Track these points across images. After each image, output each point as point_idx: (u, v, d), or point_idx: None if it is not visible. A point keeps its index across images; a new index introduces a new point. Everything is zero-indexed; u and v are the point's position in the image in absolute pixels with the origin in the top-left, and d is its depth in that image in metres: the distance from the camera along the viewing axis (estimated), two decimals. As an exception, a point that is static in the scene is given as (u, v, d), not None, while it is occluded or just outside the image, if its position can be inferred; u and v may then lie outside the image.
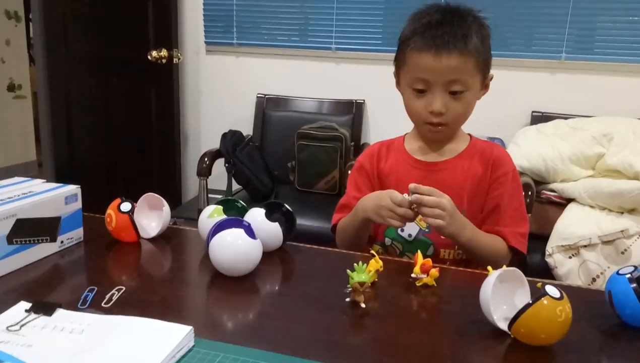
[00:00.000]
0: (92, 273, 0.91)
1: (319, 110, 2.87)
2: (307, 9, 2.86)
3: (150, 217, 1.06)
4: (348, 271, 0.78)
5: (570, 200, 2.09)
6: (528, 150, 2.21)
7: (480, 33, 1.03)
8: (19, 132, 4.37)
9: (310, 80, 2.91)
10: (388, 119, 2.73)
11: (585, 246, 1.90)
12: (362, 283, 0.77)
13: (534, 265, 1.96)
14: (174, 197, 3.02)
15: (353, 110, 2.80)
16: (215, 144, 2.67)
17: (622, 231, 1.86)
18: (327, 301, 0.80)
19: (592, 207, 2.01)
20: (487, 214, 1.08)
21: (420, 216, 1.06)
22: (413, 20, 1.05)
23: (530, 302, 0.66)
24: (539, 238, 1.98)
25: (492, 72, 1.09)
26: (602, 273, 1.86)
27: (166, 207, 1.03)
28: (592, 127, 2.19)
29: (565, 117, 2.36)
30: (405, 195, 0.96)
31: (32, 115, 4.43)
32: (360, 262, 0.78)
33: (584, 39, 2.47)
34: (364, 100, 2.80)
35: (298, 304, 0.79)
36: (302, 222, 2.27)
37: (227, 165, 2.54)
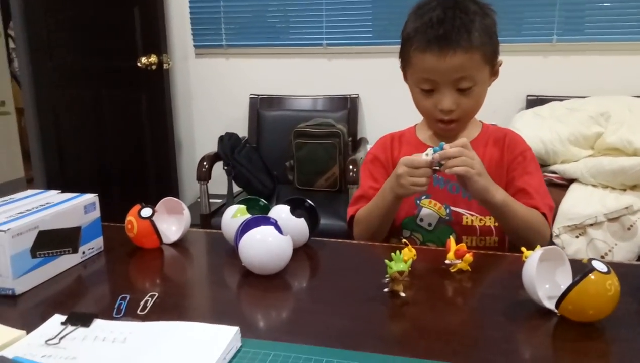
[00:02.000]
0: (119, 281, 0.89)
1: (314, 107, 2.86)
2: (296, 7, 2.85)
3: (170, 221, 1.04)
4: (386, 261, 0.77)
5: (572, 180, 2.10)
6: (527, 134, 2.16)
7: (484, 23, 1.00)
8: (4, 150, 4.30)
9: (302, 77, 2.89)
10: (383, 112, 2.73)
11: (591, 225, 1.91)
12: (401, 273, 0.76)
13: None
14: (172, 203, 2.99)
15: (348, 106, 2.79)
16: (209, 147, 2.65)
17: (626, 207, 1.88)
18: (365, 292, 0.79)
19: (594, 186, 2.03)
20: (512, 194, 1.05)
21: (437, 203, 1.06)
22: (415, 16, 1.02)
23: (578, 278, 0.65)
24: (545, 220, 1.99)
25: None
26: (610, 250, 1.87)
27: (186, 211, 1.02)
28: (589, 107, 2.21)
29: (560, 99, 2.38)
30: (422, 155, 0.95)
31: (18, 132, 4.36)
32: (397, 251, 0.77)
33: (574, 20, 2.49)
34: (358, 95, 2.80)
35: (336, 298, 0.78)
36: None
37: (226, 168, 2.52)
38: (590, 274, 0.65)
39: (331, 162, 2.58)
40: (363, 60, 2.77)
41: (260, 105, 2.90)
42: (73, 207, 0.91)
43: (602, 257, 1.87)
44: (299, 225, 0.95)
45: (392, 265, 0.76)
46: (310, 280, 0.88)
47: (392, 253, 0.77)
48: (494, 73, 1.07)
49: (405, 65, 1.07)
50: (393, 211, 1.06)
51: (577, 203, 1.98)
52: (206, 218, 2.44)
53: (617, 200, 1.92)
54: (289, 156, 2.65)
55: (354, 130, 2.79)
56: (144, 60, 2.76)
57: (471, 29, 0.97)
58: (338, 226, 2.16)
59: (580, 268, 0.68)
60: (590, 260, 0.67)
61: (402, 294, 0.77)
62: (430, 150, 0.94)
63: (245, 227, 0.86)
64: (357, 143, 2.76)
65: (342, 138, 2.57)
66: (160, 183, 3.00)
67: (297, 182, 2.64)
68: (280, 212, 0.95)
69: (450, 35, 0.96)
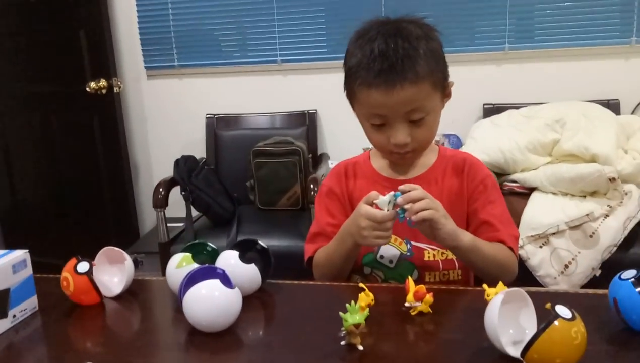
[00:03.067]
0: (53, 347, 0.81)
1: (272, 125, 2.80)
2: (248, 23, 2.79)
3: (112, 272, 0.97)
4: (341, 313, 0.72)
5: (532, 189, 2.10)
6: (485, 144, 2.22)
7: (430, 48, 0.93)
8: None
9: (259, 95, 2.83)
10: (343, 127, 2.68)
11: (554, 234, 1.91)
12: (357, 325, 0.71)
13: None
14: (131, 231, 2.87)
15: (307, 122, 2.75)
16: (167, 171, 2.55)
17: (587, 215, 1.89)
18: (321, 347, 0.73)
19: (554, 194, 2.03)
20: (476, 227, 1.02)
21: (397, 239, 1.01)
22: (355, 47, 0.96)
23: (543, 326, 0.61)
24: (508, 231, 1.97)
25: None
26: (573, 259, 1.87)
27: (128, 261, 0.94)
28: (544, 114, 2.22)
29: (516, 106, 2.39)
30: (381, 198, 0.89)
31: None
32: (352, 302, 0.72)
33: (524, 28, 2.51)
34: (316, 110, 2.75)
35: (290, 355, 0.73)
36: (269, 242, 2.18)
37: (183, 193, 2.43)
38: (555, 321, 0.61)
39: (293, 180, 2.52)
40: (319, 75, 2.73)
41: (217, 125, 2.83)
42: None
43: (566, 266, 1.87)
44: (250, 272, 0.89)
45: (347, 317, 0.71)
46: (263, 335, 0.83)
47: (347, 304, 0.72)
48: (446, 95, 1.01)
49: (351, 99, 1.01)
50: (354, 255, 1.01)
51: (538, 213, 1.97)
52: (165, 246, 2.35)
53: (578, 208, 1.92)
54: (249, 176, 2.59)
55: (314, 146, 2.74)
56: (92, 84, 2.65)
57: (416, 58, 0.90)
58: (301, 247, 2.10)
59: (544, 312, 0.64)
60: (554, 305, 0.63)
61: (360, 347, 0.72)
62: (391, 195, 0.88)
63: (190, 281, 0.79)
64: (318, 159, 2.71)
65: (303, 155, 2.52)
66: (117, 210, 2.88)
67: (258, 203, 2.57)
68: (229, 258, 0.89)
69: (395, 69, 0.89)
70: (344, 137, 2.53)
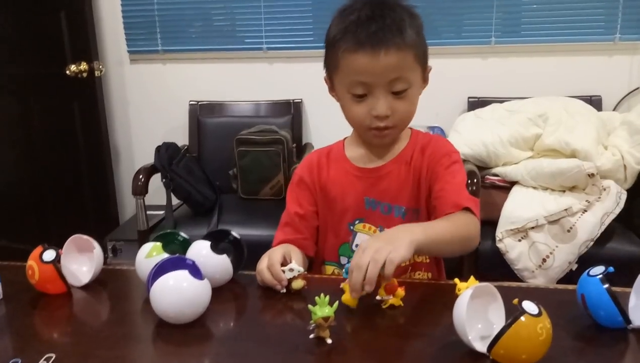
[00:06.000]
0: (15, 338, 0.79)
1: (256, 113, 2.78)
2: (234, 10, 2.75)
3: (80, 261, 0.95)
4: (309, 306, 0.71)
5: (513, 183, 2.11)
6: (469, 137, 2.22)
7: (414, 24, 0.95)
8: None
9: (243, 82, 2.80)
10: (328, 117, 2.65)
11: (532, 228, 1.92)
12: (326, 318, 0.70)
13: (485, 251, 1.96)
14: (110, 219, 2.83)
15: (291, 111, 2.72)
16: (149, 158, 2.52)
17: (566, 209, 1.90)
18: (289, 340, 0.72)
19: (535, 188, 2.04)
20: (435, 197, 0.99)
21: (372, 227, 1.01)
22: (339, 18, 0.96)
23: (509, 322, 0.61)
24: (488, 224, 1.98)
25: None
26: (551, 253, 1.89)
27: (97, 249, 0.92)
28: (527, 108, 2.22)
29: (500, 100, 2.38)
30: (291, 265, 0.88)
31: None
32: (322, 295, 0.71)
33: (511, 22, 2.50)
34: (301, 100, 2.73)
35: (258, 348, 0.72)
36: (250, 232, 2.19)
37: (164, 180, 2.40)
38: (521, 317, 0.61)
39: (276, 170, 2.50)
40: (305, 64, 2.70)
41: (201, 112, 2.79)
42: (-42, 257, 0.81)
43: (544, 259, 1.88)
44: (221, 263, 0.87)
45: (316, 310, 0.70)
46: (232, 327, 0.81)
47: (317, 297, 0.71)
48: (424, 79, 1.01)
49: (332, 72, 1.00)
50: None
51: (518, 206, 1.98)
52: (144, 234, 2.32)
53: (557, 202, 1.93)
54: (232, 165, 2.56)
55: (299, 136, 2.72)
56: (73, 68, 2.59)
57: (403, 27, 0.91)
58: (283, 238, 2.09)
59: (513, 307, 0.64)
60: (520, 301, 0.63)
61: (329, 340, 0.71)
62: (299, 271, 0.88)
63: (158, 271, 0.78)
64: (302, 149, 2.69)
65: (286, 145, 2.50)
66: (97, 196, 2.84)
67: (241, 191, 2.55)
68: (201, 248, 0.88)
69: (383, 32, 0.90)
70: (329, 127, 2.49)
